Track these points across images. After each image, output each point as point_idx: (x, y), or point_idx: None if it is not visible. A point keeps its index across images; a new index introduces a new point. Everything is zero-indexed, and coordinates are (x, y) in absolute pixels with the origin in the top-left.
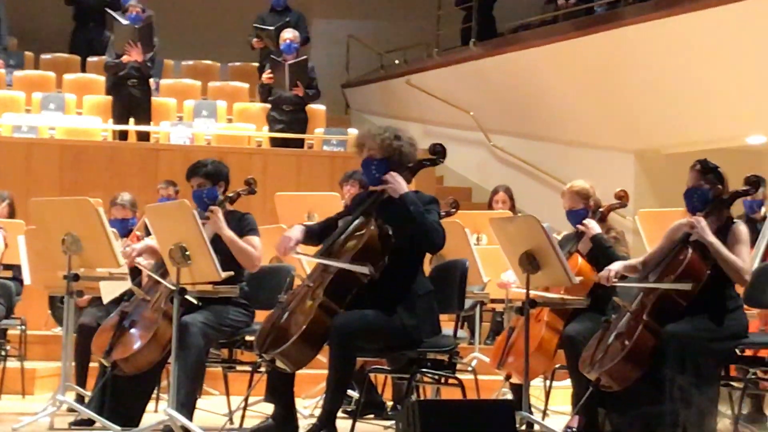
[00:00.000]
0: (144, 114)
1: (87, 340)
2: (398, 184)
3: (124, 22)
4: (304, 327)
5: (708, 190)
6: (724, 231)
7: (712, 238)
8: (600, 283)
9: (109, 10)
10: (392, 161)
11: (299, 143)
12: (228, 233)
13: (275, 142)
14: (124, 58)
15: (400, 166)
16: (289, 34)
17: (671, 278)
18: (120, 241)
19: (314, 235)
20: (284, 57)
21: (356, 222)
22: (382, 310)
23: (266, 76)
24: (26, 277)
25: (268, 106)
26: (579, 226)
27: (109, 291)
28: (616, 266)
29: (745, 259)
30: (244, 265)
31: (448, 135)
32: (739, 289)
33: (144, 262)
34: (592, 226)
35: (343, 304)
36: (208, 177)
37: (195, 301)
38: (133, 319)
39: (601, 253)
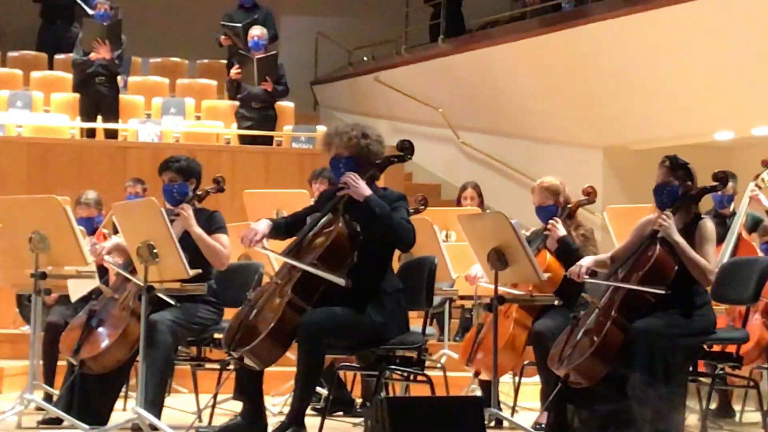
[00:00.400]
0: (112, 112)
1: (55, 339)
2: (360, 187)
3: (91, 11)
4: (272, 324)
5: (677, 186)
6: (692, 227)
7: (678, 238)
8: (569, 278)
9: (79, 1)
10: (360, 159)
11: (268, 141)
12: (197, 231)
13: (244, 140)
14: (92, 56)
15: (368, 163)
16: (256, 31)
17: (639, 275)
18: (87, 239)
19: (280, 229)
20: (252, 53)
21: (324, 219)
22: (351, 307)
23: (234, 71)
24: None
25: (237, 103)
26: (546, 232)
27: (77, 289)
28: (586, 261)
29: (710, 259)
30: (212, 263)
31: (417, 132)
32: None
33: (112, 261)
34: (558, 229)
35: (311, 302)
36: (180, 173)
37: (172, 302)
38: (101, 317)
39: (568, 255)
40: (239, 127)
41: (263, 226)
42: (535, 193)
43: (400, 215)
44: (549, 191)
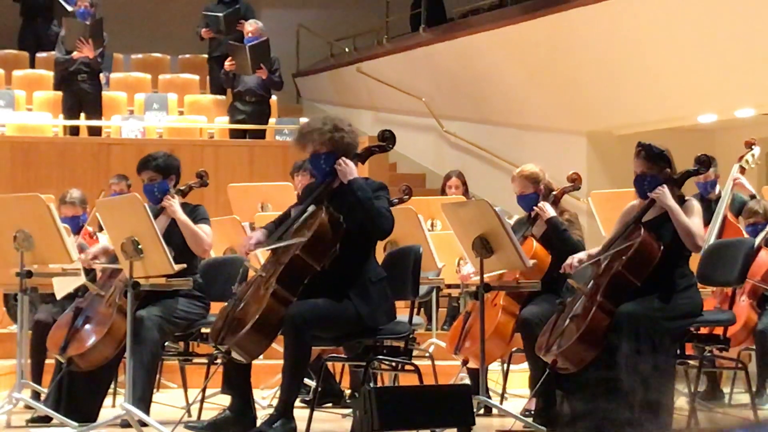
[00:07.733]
0: (95, 109)
1: (43, 337)
2: (348, 169)
3: (69, 8)
4: (257, 316)
5: (656, 175)
6: None
7: (671, 203)
8: (556, 265)
9: None
10: (338, 152)
11: (260, 134)
12: (182, 217)
13: (234, 134)
14: (75, 54)
15: (348, 154)
16: (250, 27)
17: (623, 259)
18: (72, 238)
19: (272, 233)
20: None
21: (308, 211)
22: (336, 298)
23: (228, 63)
24: None
25: (220, 97)
26: (535, 208)
27: (63, 287)
28: (580, 255)
29: (699, 229)
30: (195, 250)
31: (401, 122)
32: (693, 268)
33: (99, 263)
34: (547, 209)
35: (296, 293)
36: (159, 171)
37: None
38: (87, 314)
39: (556, 236)
40: (231, 120)
41: (259, 233)
42: (516, 182)
43: (380, 204)
44: (529, 179)
